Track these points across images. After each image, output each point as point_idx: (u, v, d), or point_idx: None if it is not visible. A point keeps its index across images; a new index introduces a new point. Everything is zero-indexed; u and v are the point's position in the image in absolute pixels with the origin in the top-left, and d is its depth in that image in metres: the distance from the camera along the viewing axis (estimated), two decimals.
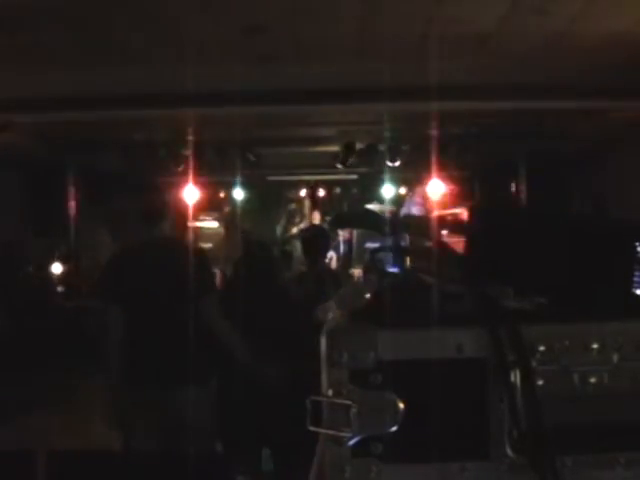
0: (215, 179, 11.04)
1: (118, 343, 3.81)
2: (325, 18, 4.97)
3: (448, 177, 11.13)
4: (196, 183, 11.18)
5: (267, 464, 4.50)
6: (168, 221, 4.06)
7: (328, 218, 11.32)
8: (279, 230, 11.92)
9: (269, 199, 12.13)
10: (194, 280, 3.85)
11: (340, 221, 8.92)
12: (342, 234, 11.10)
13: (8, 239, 9.08)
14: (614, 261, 1.43)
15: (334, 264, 10.62)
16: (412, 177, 11.13)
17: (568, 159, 9.38)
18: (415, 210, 10.87)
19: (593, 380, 1.28)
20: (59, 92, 6.48)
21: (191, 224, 11.48)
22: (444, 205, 11.04)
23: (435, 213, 10.58)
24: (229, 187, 11.21)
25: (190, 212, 11.48)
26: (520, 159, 10.16)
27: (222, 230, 11.65)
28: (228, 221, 11.73)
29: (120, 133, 8.72)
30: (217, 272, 9.04)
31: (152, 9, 4.74)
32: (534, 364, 1.26)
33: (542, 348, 1.27)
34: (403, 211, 10.90)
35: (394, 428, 1.24)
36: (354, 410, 1.23)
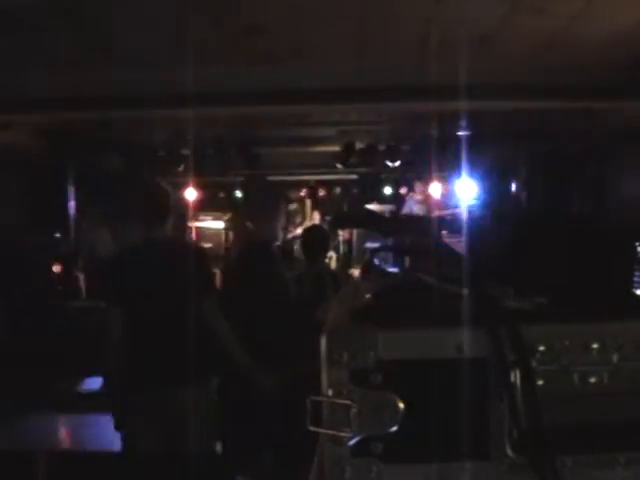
0: (215, 179, 11.04)
1: (118, 343, 3.81)
2: (325, 18, 4.97)
3: (448, 177, 11.15)
4: (196, 183, 11.19)
5: (267, 464, 4.50)
6: (168, 221, 4.05)
7: (328, 218, 11.31)
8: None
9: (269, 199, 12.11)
10: (194, 280, 3.84)
11: (340, 221, 8.91)
12: (342, 234, 11.09)
13: (8, 239, 9.08)
14: (614, 261, 1.44)
15: (334, 264, 10.61)
16: (412, 177, 11.13)
17: (568, 159, 9.37)
18: (416, 210, 10.87)
19: (593, 380, 1.28)
20: (59, 92, 6.47)
21: (191, 224, 11.50)
22: (444, 205, 11.06)
23: (436, 213, 10.59)
24: (229, 187, 11.21)
25: (190, 212, 11.49)
26: (520, 159, 10.16)
27: (222, 230, 11.65)
28: (228, 221, 11.72)
29: (120, 133, 8.73)
30: (217, 272, 9.03)
31: (152, 9, 4.74)
32: (534, 364, 1.26)
33: (542, 348, 1.27)
34: (404, 211, 10.91)
35: (394, 428, 1.24)
36: (354, 410, 1.23)
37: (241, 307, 4.16)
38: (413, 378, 1.25)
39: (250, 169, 10.24)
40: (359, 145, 9.52)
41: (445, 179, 11.37)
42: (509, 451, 1.26)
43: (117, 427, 3.85)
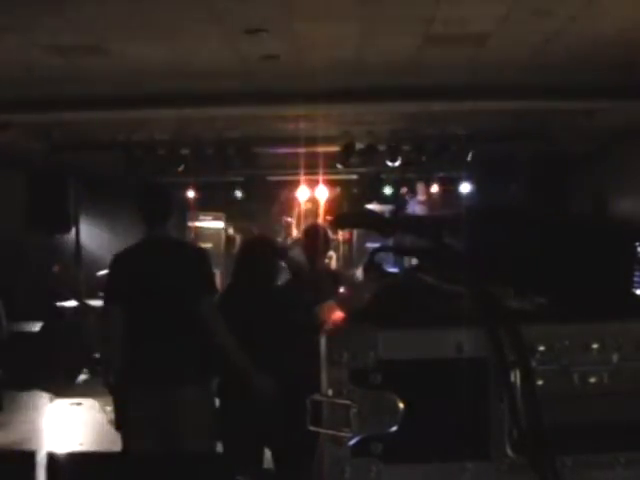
0: (215, 179, 11.04)
1: (119, 343, 3.81)
2: (325, 18, 4.97)
3: (448, 177, 11.14)
4: (196, 183, 11.18)
5: (267, 464, 4.50)
6: (168, 221, 4.06)
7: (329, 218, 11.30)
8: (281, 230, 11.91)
9: (269, 199, 12.12)
10: (194, 280, 3.84)
11: (340, 221, 8.91)
12: (342, 234, 11.08)
13: (8, 239, 9.09)
14: (614, 261, 1.43)
15: (334, 264, 10.60)
16: (412, 177, 11.13)
17: (568, 159, 9.38)
18: (418, 210, 10.87)
19: (593, 380, 1.28)
20: (59, 92, 6.48)
21: (191, 224, 11.49)
22: (444, 205, 11.05)
23: (436, 213, 10.58)
24: (229, 187, 11.20)
25: (190, 212, 11.48)
26: (520, 159, 10.15)
27: (222, 230, 11.65)
28: (228, 221, 11.72)
29: (120, 133, 8.73)
30: (217, 272, 9.04)
31: (152, 9, 4.74)
32: (534, 364, 1.26)
33: (542, 348, 1.27)
34: (406, 211, 10.90)
35: (394, 428, 1.24)
36: (354, 410, 1.23)
37: (242, 307, 4.16)
38: (413, 378, 1.25)
39: (250, 169, 10.23)
40: (359, 145, 9.51)
41: (445, 179, 11.36)
42: (509, 451, 1.26)
43: (117, 427, 3.85)
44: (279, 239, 11.71)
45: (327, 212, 11.08)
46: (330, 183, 11.56)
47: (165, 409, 3.72)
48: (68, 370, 8.18)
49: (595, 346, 1.28)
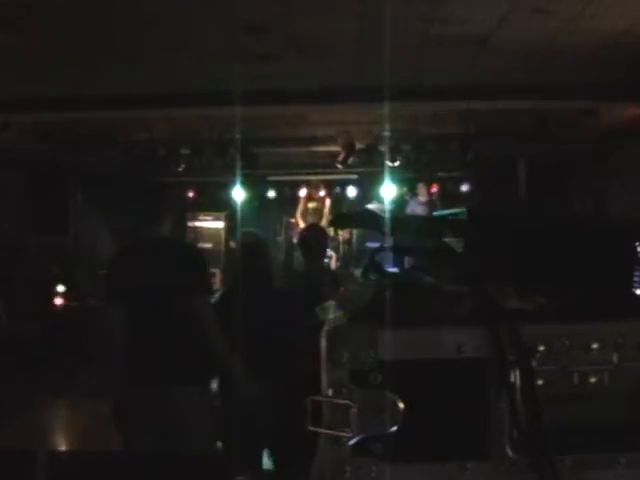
0: (215, 179, 11.04)
1: (118, 343, 3.81)
2: (325, 18, 4.97)
3: (448, 177, 11.14)
4: (196, 183, 11.19)
5: (267, 464, 4.50)
6: (168, 221, 4.06)
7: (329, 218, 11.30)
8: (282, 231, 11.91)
9: (269, 199, 12.13)
10: (190, 280, 3.85)
11: (340, 221, 8.91)
12: (342, 234, 11.08)
13: (8, 239, 9.08)
14: (614, 261, 1.43)
15: (334, 264, 10.60)
16: (412, 177, 11.13)
17: (568, 159, 9.37)
18: (419, 210, 10.87)
19: (593, 380, 1.28)
20: (59, 92, 6.48)
21: (191, 224, 11.50)
22: (445, 205, 11.05)
23: (436, 213, 10.59)
24: (229, 187, 11.20)
25: (190, 212, 11.49)
26: (520, 159, 10.16)
27: (222, 230, 11.65)
28: (228, 221, 11.72)
29: (120, 133, 8.73)
30: (217, 272, 9.04)
31: (152, 9, 4.74)
32: (534, 364, 1.26)
33: (542, 348, 1.27)
34: (407, 211, 10.89)
35: (394, 428, 1.24)
36: (354, 410, 1.23)
37: (241, 308, 4.16)
38: (413, 378, 1.25)
39: (250, 169, 10.24)
40: (359, 145, 9.52)
41: (444, 179, 11.37)
42: (509, 451, 1.26)
43: (117, 427, 3.85)
44: (279, 239, 11.73)
45: (331, 212, 11.10)
46: (330, 183, 11.57)
47: (164, 409, 3.72)
48: (68, 370, 8.18)
49: (595, 346, 1.28)
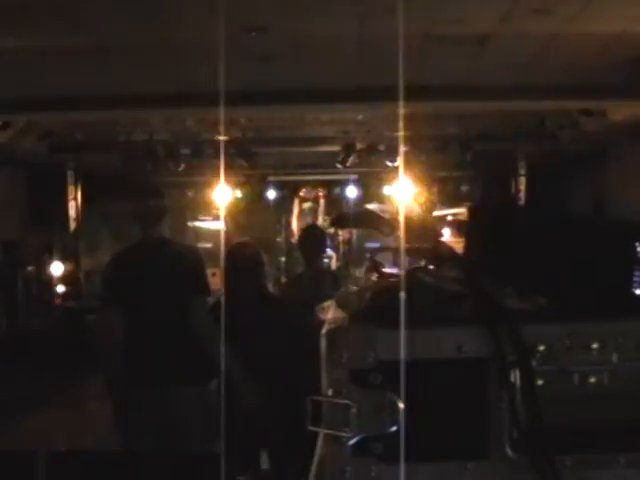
0: (215, 179, 11.03)
1: (117, 343, 3.81)
2: (325, 18, 4.97)
3: (448, 177, 11.14)
4: (196, 183, 11.17)
5: (266, 464, 4.50)
6: (167, 222, 4.06)
7: (328, 218, 11.30)
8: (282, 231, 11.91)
9: (269, 199, 12.12)
10: (187, 281, 3.84)
11: (340, 221, 8.93)
12: (342, 234, 11.08)
13: (8, 239, 9.08)
14: (614, 261, 1.43)
15: (334, 264, 10.60)
16: (412, 177, 11.12)
17: (568, 159, 9.37)
18: (417, 210, 10.86)
19: (593, 380, 1.28)
20: (59, 92, 6.47)
21: (191, 224, 11.49)
22: (444, 205, 11.05)
23: (436, 213, 10.59)
24: (229, 187, 11.20)
25: (190, 212, 11.48)
26: (520, 159, 10.16)
27: (222, 230, 11.63)
28: (227, 221, 11.71)
29: (120, 133, 8.73)
30: (217, 272, 9.03)
31: (152, 9, 4.74)
32: (534, 364, 1.26)
33: (542, 348, 1.27)
34: (405, 211, 10.89)
35: (394, 428, 1.24)
36: (354, 410, 1.23)
37: (237, 310, 4.15)
38: (413, 378, 1.25)
39: (250, 169, 10.23)
40: (359, 145, 9.51)
41: (445, 179, 11.36)
42: (509, 451, 1.26)
43: (116, 426, 3.85)
44: (279, 239, 11.73)
45: (326, 211, 11.09)
46: (324, 183, 11.57)
47: (163, 409, 3.72)
48: (68, 370, 8.17)
49: (595, 346, 1.28)
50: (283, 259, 11.10)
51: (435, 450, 1.26)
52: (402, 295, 1.37)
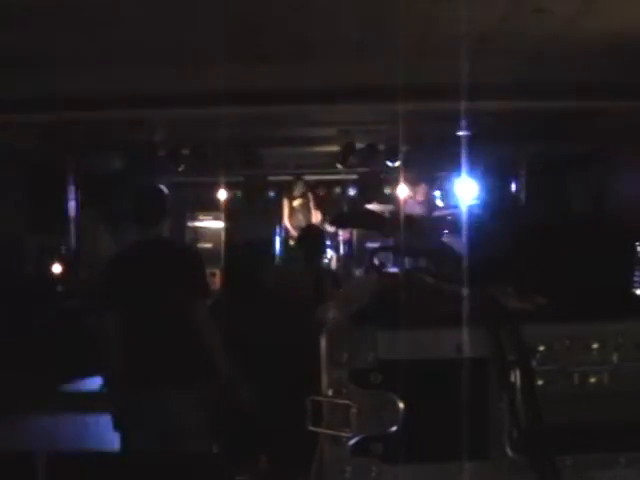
0: (215, 179, 11.04)
1: (116, 344, 3.81)
2: (325, 18, 4.97)
3: (448, 177, 11.14)
4: (196, 183, 11.17)
5: (266, 465, 4.50)
6: (166, 222, 4.05)
7: (320, 212, 11.31)
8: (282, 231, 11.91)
9: (269, 199, 12.12)
10: (187, 283, 3.83)
11: (340, 221, 8.93)
12: (342, 234, 11.08)
13: (8, 239, 9.08)
14: (614, 261, 1.43)
15: (334, 264, 10.60)
16: (412, 177, 11.12)
17: (568, 159, 9.37)
18: (417, 210, 10.87)
19: (593, 380, 1.28)
20: (59, 92, 6.47)
21: (191, 224, 11.49)
22: (444, 205, 11.05)
23: (436, 213, 10.59)
24: (229, 187, 11.20)
25: (190, 212, 11.48)
26: (520, 159, 10.16)
27: (222, 230, 11.63)
28: (227, 221, 11.71)
29: (120, 133, 8.73)
30: (217, 272, 9.04)
31: (152, 9, 4.74)
32: (534, 364, 1.26)
33: (542, 348, 1.27)
34: (405, 211, 10.88)
35: (394, 428, 1.24)
36: (354, 410, 1.23)
37: (228, 314, 4.15)
38: (413, 378, 1.25)
39: (250, 169, 10.24)
40: (359, 145, 9.52)
41: (445, 179, 11.37)
42: (509, 451, 1.26)
43: (116, 427, 3.85)
44: (278, 239, 11.72)
45: (318, 207, 11.08)
46: (330, 183, 11.58)
47: (162, 411, 3.72)
48: (66, 370, 8.17)
49: (595, 346, 1.28)
50: (283, 259, 11.09)
51: (435, 450, 1.26)
52: (402, 295, 1.37)
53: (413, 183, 11.07)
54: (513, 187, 10.51)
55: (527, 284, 1.39)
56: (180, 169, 9.58)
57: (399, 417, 1.24)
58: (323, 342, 1.26)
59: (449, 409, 1.25)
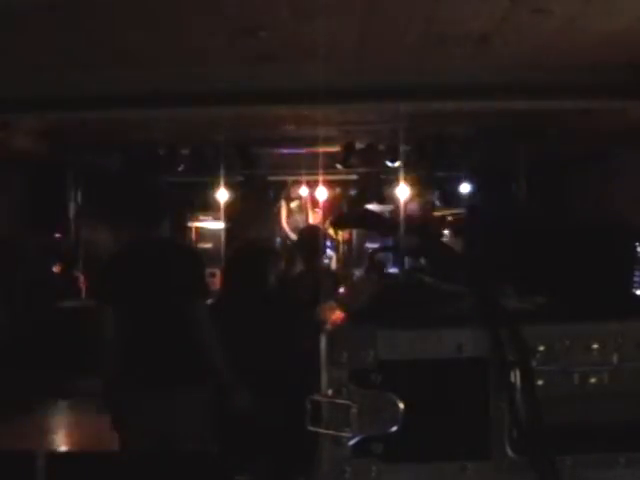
0: (215, 179, 11.04)
1: (115, 344, 3.81)
2: (325, 18, 4.97)
3: (448, 177, 11.14)
4: (196, 183, 11.16)
5: (266, 465, 4.50)
6: (166, 222, 4.05)
7: (319, 212, 11.32)
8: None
9: (269, 199, 12.12)
10: (186, 283, 3.83)
11: (340, 221, 8.93)
12: (342, 234, 11.08)
13: (8, 239, 9.08)
14: (614, 261, 1.44)
15: (334, 264, 10.60)
16: (412, 177, 11.12)
17: (568, 160, 9.37)
18: (417, 210, 10.87)
19: (593, 380, 1.28)
20: (59, 92, 6.48)
21: (191, 224, 11.49)
22: (444, 206, 11.05)
23: (436, 213, 10.59)
24: (229, 187, 11.19)
25: (190, 212, 11.48)
26: (520, 159, 10.15)
27: (221, 230, 11.63)
28: (227, 221, 11.71)
29: (120, 133, 8.72)
30: (217, 272, 9.04)
31: (152, 9, 4.74)
32: (534, 364, 1.26)
33: (542, 348, 1.27)
34: (404, 211, 10.89)
35: (394, 428, 1.24)
36: (354, 410, 1.23)
37: (228, 315, 4.15)
38: (413, 378, 1.25)
39: (250, 169, 10.23)
40: (359, 145, 9.51)
41: (444, 179, 11.36)
42: (509, 451, 1.26)
43: (115, 427, 3.85)
44: (278, 239, 11.72)
45: (315, 206, 11.08)
46: (330, 183, 11.56)
47: (162, 410, 3.72)
48: (66, 370, 8.17)
49: (595, 346, 1.28)
50: (283, 259, 11.08)
51: (435, 450, 1.26)
52: (402, 295, 1.37)
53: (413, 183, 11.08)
54: (513, 187, 10.51)
55: (527, 284, 1.39)
56: (180, 169, 9.57)
57: (399, 417, 1.24)
58: (323, 342, 1.26)
59: (449, 409, 1.25)
